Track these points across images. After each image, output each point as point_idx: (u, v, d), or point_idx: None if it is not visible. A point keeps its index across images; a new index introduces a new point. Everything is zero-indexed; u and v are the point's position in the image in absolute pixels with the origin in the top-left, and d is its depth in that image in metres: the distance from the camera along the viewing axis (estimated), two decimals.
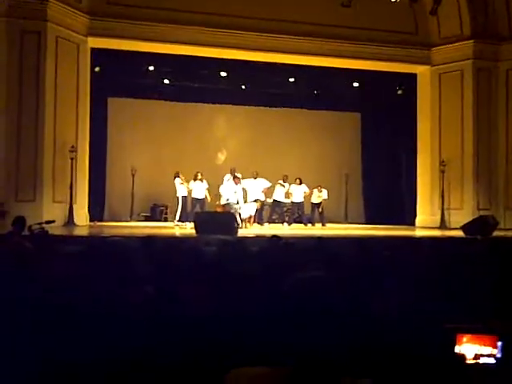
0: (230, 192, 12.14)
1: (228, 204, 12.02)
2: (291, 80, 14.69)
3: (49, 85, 11.12)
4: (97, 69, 12.86)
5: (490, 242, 6.56)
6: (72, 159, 11.41)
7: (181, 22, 12.23)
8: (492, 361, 1.83)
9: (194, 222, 9.83)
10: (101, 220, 13.25)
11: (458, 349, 1.89)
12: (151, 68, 13.82)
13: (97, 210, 13.22)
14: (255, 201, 12.82)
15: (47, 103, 11.08)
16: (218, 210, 13.13)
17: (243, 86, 14.87)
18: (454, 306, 2.31)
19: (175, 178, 13.03)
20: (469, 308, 2.32)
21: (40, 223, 6.12)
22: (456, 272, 2.94)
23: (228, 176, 12.85)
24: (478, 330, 1.92)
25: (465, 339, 1.91)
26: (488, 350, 1.87)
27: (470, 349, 1.87)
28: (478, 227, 9.77)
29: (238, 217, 11.64)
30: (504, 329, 1.89)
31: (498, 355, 1.84)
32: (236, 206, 11.89)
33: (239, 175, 12.54)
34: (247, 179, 13.10)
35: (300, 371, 1.28)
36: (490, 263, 3.36)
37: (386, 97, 15.61)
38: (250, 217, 12.63)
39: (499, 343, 1.84)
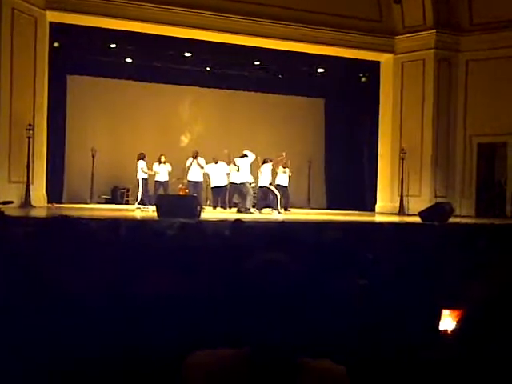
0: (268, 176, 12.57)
1: (269, 187, 12.26)
2: (256, 63, 14.60)
3: (4, 59, 10.61)
4: (56, 44, 12.39)
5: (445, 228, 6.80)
6: (29, 138, 10.98)
7: (145, 0, 11.91)
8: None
9: (156, 205, 9.72)
10: (59, 202, 12.91)
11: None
12: (113, 46, 13.42)
13: (55, 192, 12.86)
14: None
15: (2, 79, 10.60)
16: (181, 193, 13.02)
17: (208, 68, 14.67)
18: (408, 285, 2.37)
19: (139, 159, 12.76)
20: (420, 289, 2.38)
21: None
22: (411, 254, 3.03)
23: (191, 159, 12.74)
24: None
25: None
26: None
27: None
28: (435, 214, 10.05)
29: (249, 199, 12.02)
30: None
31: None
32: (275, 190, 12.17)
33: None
34: (209, 164, 13.06)
35: (259, 353, 1.30)
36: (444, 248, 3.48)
37: (351, 84, 15.74)
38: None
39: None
